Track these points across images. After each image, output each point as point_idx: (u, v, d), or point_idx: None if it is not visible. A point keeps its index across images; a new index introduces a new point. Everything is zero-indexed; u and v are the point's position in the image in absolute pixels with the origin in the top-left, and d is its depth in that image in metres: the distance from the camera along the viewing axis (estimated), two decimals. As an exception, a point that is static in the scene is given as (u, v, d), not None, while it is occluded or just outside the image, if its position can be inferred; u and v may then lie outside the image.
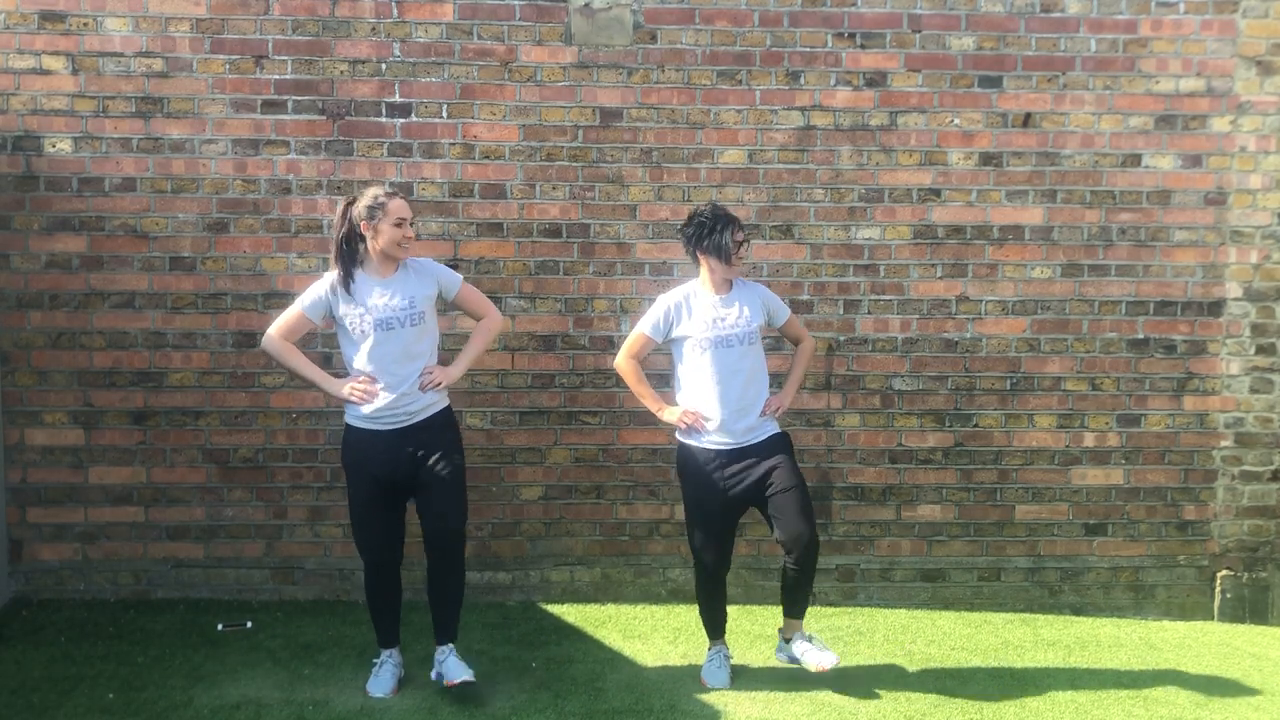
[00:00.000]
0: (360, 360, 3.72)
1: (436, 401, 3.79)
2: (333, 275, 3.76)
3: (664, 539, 4.93)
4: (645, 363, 4.06)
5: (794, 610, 4.03)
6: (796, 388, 4.13)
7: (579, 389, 4.86)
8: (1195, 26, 4.86)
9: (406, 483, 3.74)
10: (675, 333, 3.93)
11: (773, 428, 3.96)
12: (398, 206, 3.69)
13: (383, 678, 3.82)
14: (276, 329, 3.78)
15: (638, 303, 4.82)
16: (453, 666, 3.79)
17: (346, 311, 3.70)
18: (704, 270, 3.94)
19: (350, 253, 3.72)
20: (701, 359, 3.88)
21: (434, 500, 3.73)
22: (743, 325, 3.87)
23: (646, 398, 4.03)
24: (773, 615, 4.57)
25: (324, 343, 4.73)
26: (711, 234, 3.88)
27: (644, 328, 3.97)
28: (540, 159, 4.77)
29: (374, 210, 3.68)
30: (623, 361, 4.03)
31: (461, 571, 3.87)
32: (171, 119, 4.65)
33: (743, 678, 4.03)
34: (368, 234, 3.69)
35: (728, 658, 4.06)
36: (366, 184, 4.20)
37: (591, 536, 4.93)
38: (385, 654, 3.89)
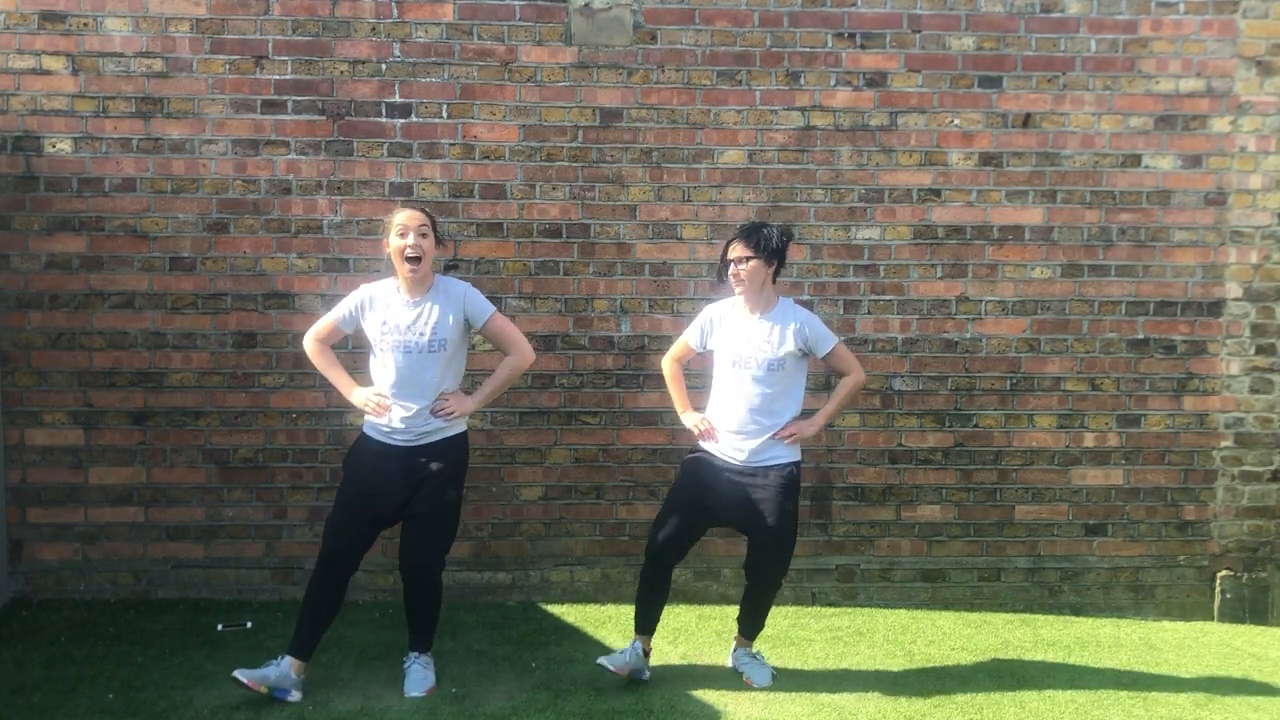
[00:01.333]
0: (378, 375, 3.77)
1: (450, 426, 3.78)
2: (369, 287, 3.80)
3: (664, 539, 4.92)
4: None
5: (744, 630, 4.07)
6: (827, 420, 3.96)
7: (579, 389, 4.86)
8: (1195, 26, 4.86)
9: (393, 512, 3.74)
10: (709, 344, 3.95)
11: (785, 456, 3.86)
12: (401, 216, 3.70)
13: (278, 684, 3.65)
14: (313, 332, 3.86)
15: (638, 303, 4.82)
16: (414, 679, 3.81)
17: (373, 326, 3.74)
18: None
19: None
20: (723, 375, 3.90)
21: (415, 535, 3.75)
22: (767, 351, 3.80)
23: (676, 399, 4.08)
24: (777, 616, 4.56)
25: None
26: (723, 253, 3.92)
27: (688, 336, 4.04)
28: (540, 159, 4.77)
29: (385, 228, 3.76)
30: (665, 362, 4.12)
31: (437, 599, 3.86)
32: (171, 119, 4.65)
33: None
34: (387, 252, 3.74)
35: (640, 655, 3.92)
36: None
37: (591, 536, 4.93)
38: (284, 661, 3.70)
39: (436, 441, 3.75)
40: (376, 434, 3.77)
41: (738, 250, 3.82)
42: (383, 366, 3.74)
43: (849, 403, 4.20)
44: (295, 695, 3.67)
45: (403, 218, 3.68)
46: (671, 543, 3.88)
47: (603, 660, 3.86)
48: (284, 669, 3.68)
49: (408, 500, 3.71)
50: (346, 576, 3.77)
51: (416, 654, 3.89)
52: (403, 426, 3.71)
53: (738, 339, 3.85)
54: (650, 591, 3.97)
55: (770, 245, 3.80)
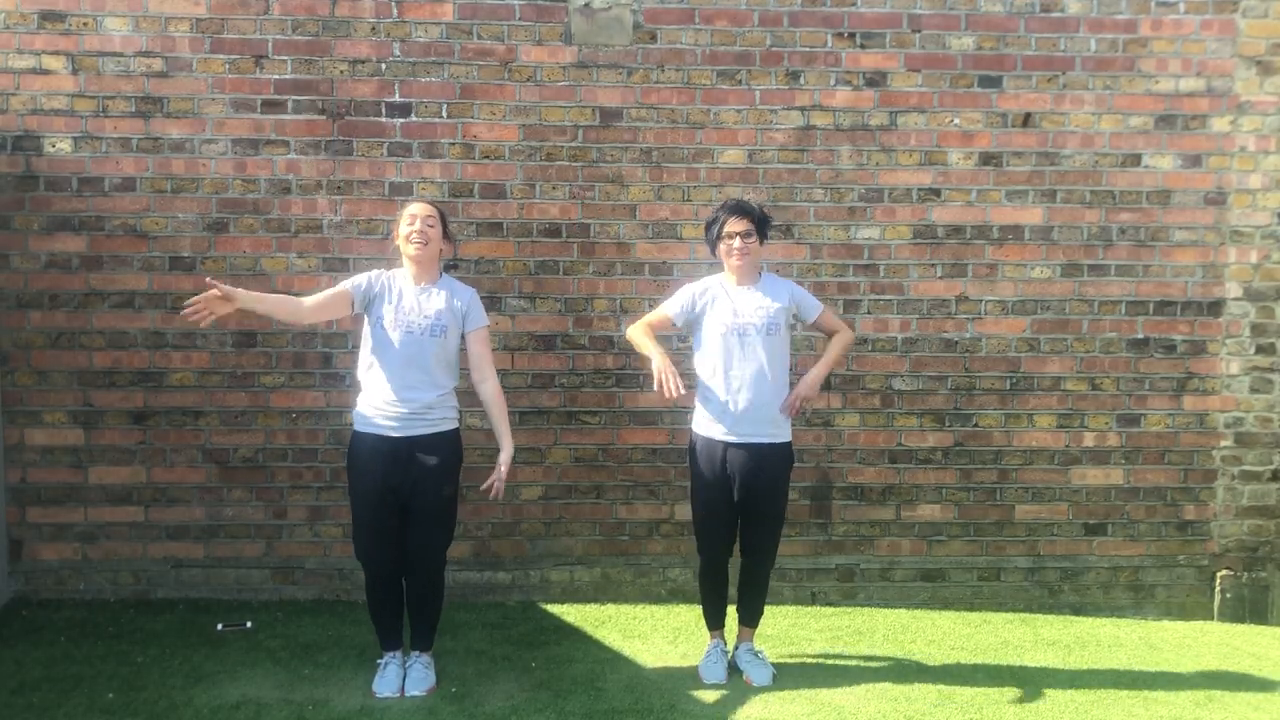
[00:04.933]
0: (374, 359, 3.74)
1: (439, 422, 3.76)
2: (383, 272, 3.85)
3: (664, 539, 4.92)
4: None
5: (745, 617, 4.11)
6: (822, 375, 3.97)
7: (579, 389, 4.86)
8: (1195, 26, 4.86)
9: (405, 497, 3.75)
10: (699, 319, 3.93)
11: (782, 434, 3.92)
12: (412, 207, 3.83)
13: (388, 677, 3.82)
14: (312, 299, 3.80)
15: (638, 303, 4.82)
16: (414, 678, 3.84)
17: (385, 307, 3.75)
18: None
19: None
20: (717, 347, 3.88)
21: (416, 531, 3.78)
22: (761, 316, 3.85)
23: (649, 348, 3.89)
24: (777, 616, 4.58)
25: (324, 343, 4.75)
26: (710, 227, 3.96)
27: (668, 309, 3.99)
28: (540, 159, 4.77)
29: (396, 221, 3.86)
30: (636, 326, 4.00)
31: (440, 592, 3.92)
32: (171, 119, 4.65)
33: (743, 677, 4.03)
34: (396, 242, 3.84)
35: (725, 652, 4.07)
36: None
37: (591, 536, 4.93)
38: (388, 655, 3.90)
39: (435, 434, 3.74)
40: (367, 427, 3.73)
41: (742, 224, 3.87)
42: (382, 350, 3.72)
43: (841, 359, 4.36)
44: (421, 670, 3.87)
45: (413, 208, 3.82)
46: (717, 538, 3.96)
47: (702, 675, 3.98)
48: (399, 660, 3.87)
49: (409, 493, 3.72)
50: (397, 577, 3.83)
51: (418, 653, 3.91)
52: (395, 413, 3.69)
53: (732, 310, 3.88)
54: (712, 589, 4.06)
55: (761, 219, 3.94)
